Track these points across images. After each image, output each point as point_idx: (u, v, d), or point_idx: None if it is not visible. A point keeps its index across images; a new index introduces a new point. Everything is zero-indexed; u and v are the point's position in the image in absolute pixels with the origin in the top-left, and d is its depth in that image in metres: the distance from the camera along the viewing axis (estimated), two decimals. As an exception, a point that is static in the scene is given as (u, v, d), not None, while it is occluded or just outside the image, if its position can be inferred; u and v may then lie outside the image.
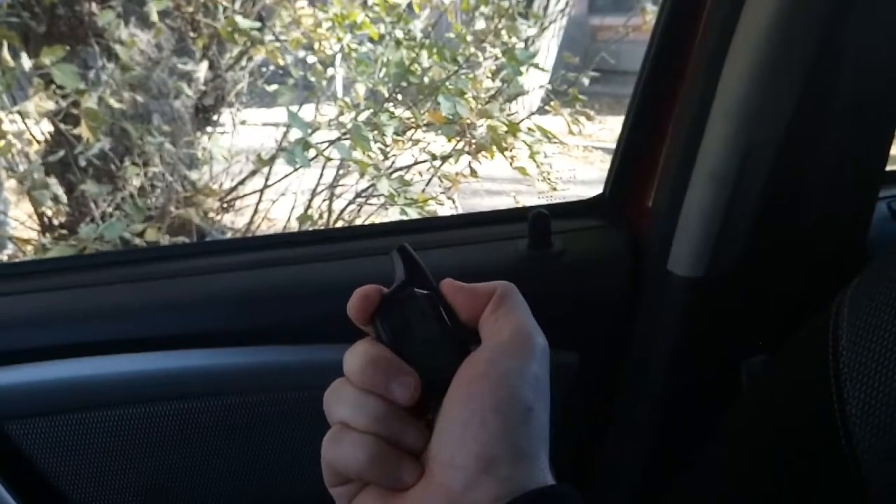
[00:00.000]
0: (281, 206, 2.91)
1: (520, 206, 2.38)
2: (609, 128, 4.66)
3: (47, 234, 2.54)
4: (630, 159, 1.08)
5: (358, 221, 2.87)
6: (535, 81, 2.94)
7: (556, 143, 2.62)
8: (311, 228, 2.61)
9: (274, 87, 2.95)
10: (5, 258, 3.05)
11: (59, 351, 0.96)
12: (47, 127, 2.41)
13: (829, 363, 0.72)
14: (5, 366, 0.95)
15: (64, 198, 2.39)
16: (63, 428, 0.97)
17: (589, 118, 2.55)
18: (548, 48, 3.52)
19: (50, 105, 1.94)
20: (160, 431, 0.99)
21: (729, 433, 1.01)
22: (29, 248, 2.89)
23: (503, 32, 2.44)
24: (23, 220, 2.97)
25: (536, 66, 2.46)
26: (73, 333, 0.98)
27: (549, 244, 1.05)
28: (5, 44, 1.93)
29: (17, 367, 0.95)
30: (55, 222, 2.57)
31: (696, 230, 0.96)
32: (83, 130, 1.97)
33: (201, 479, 1.03)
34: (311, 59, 2.77)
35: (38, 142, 2.39)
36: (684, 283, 0.97)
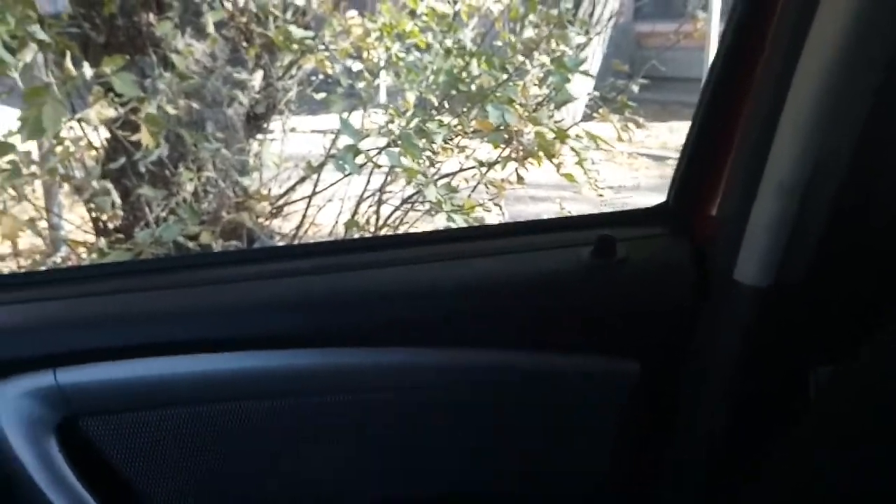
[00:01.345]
0: (327, 212, 2.95)
1: (582, 213, 2.38)
2: (654, 135, 4.64)
3: (102, 238, 2.60)
4: (695, 167, 1.08)
5: (403, 228, 2.89)
6: (580, 89, 2.94)
7: (603, 149, 2.61)
8: (367, 235, 2.64)
9: (322, 95, 2.99)
10: (59, 260, 3.13)
11: (136, 351, 0.99)
12: (104, 134, 2.47)
13: (906, 374, 0.72)
14: (83, 364, 0.98)
15: (119, 202, 2.45)
16: (137, 425, 1.00)
17: (638, 125, 2.55)
18: (593, 55, 3.52)
19: (111, 113, 1.99)
20: (229, 429, 1.02)
21: (794, 444, 1.00)
22: (81, 250, 2.96)
23: (553, 41, 2.45)
24: (78, 224, 3.04)
25: (586, 73, 2.46)
26: (150, 334, 1.01)
27: (612, 253, 1.05)
28: (69, 54, 1.99)
29: (94, 365, 0.98)
30: (110, 226, 2.62)
31: (764, 239, 0.95)
32: (143, 136, 2.01)
33: (268, 478, 1.06)
34: (357, 67, 2.80)
35: (95, 149, 2.45)
36: (752, 292, 0.97)
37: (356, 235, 2.66)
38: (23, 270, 2.92)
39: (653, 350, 1.06)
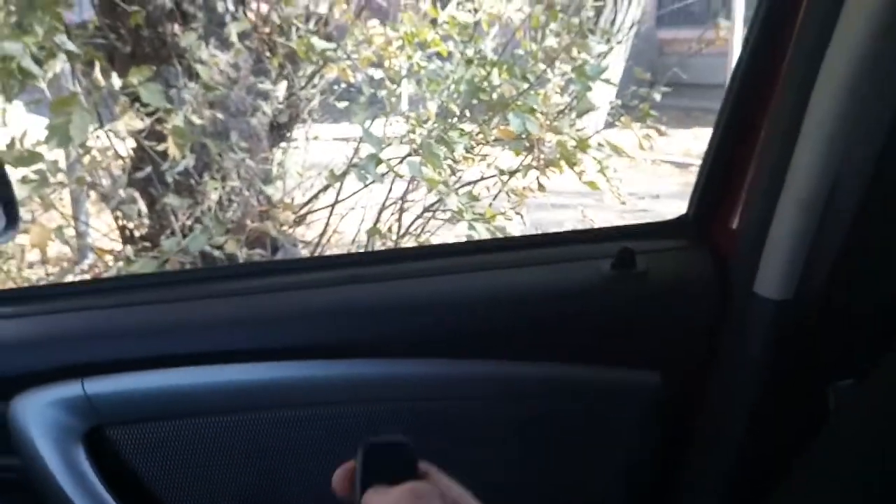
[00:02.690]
0: (350, 220, 2.97)
1: (602, 226, 2.37)
2: (678, 141, 4.61)
3: (128, 246, 2.64)
4: (715, 179, 1.07)
5: (424, 236, 2.90)
6: (602, 97, 2.93)
7: (624, 157, 2.61)
8: (389, 243, 2.66)
9: (344, 103, 3.01)
10: (86, 267, 3.18)
11: (163, 361, 1.00)
12: (130, 143, 2.51)
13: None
14: (111, 374, 1.00)
15: (145, 211, 2.49)
16: (164, 434, 1.02)
17: (660, 133, 2.54)
18: (615, 63, 3.51)
19: (139, 124, 2.02)
20: (255, 440, 1.03)
21: (815, 459, 0.99)
22: (108, 258, 3.00)
23: (574, 49, 2.45)
24: (104, 232, 3.09)
25: (607, 81, 2.46)
26: (176, 345, 1.03)
27: (632, 265, 1.06)
28: (97, 64, 2.02)
29: (121, 376, 1.00)
30: (136, 234, 2.66)
31: (784, 252, 0.95)
32: (170, 147, 2.04)
33: (294, 488, 1.07)
34: (378, 75, 2.82)
35: (122, 158, 2.49)
36: (772, 305, 0.97)
37: (378, 243, 2.68)
38: (51, 281, 2.97)
39: (674, 362, 1.06)
